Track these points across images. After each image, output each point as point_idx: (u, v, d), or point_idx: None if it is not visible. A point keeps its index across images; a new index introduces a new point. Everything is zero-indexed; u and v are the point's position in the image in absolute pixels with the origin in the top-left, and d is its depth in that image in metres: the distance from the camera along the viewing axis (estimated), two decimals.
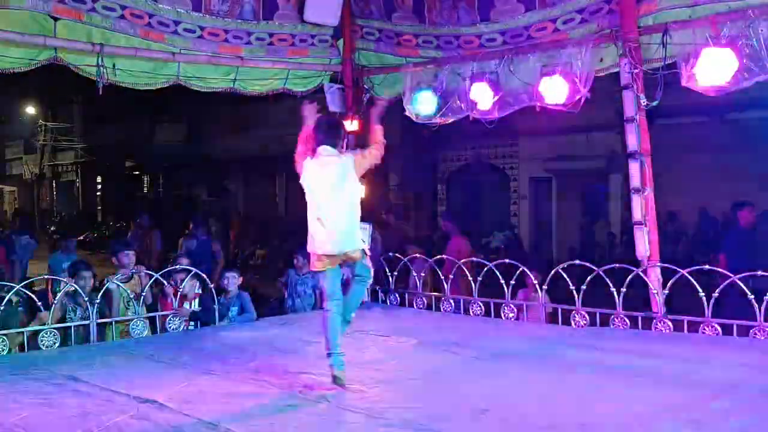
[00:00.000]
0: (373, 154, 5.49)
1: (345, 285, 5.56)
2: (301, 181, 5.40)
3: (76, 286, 6.83)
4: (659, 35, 6.73)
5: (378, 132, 5.58)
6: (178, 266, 7.70)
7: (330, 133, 5.45)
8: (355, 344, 6.57)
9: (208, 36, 8.08)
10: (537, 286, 7.46)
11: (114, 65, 7.54)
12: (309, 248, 5.38)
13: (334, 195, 5.29)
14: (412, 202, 20.69)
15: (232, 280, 7.70)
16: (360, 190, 5.62)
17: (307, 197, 5.36)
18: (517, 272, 7.68)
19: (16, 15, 6.86)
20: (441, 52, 8.42)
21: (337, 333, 5.26)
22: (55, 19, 7.06)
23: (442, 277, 8.28)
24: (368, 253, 5.57)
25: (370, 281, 5.72)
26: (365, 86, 9.04)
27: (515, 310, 7.64)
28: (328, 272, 5.33)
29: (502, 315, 7.72)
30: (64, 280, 6.95)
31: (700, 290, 6.49)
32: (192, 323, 7.46)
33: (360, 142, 9.09)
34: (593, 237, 16.81)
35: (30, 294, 6.87)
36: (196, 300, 7.57)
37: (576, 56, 7.10)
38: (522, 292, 7.91)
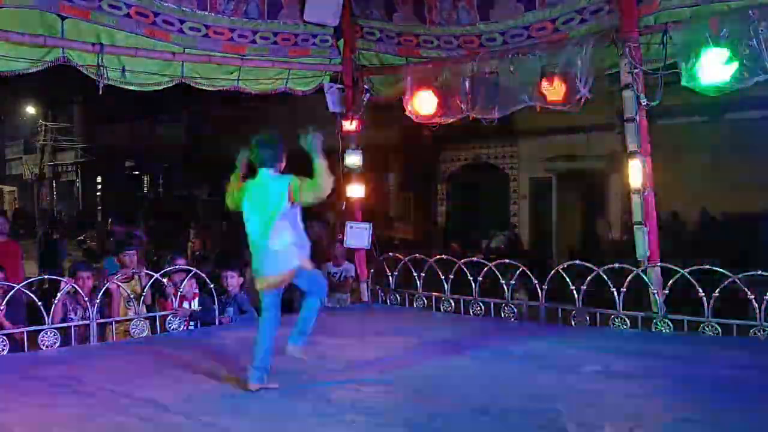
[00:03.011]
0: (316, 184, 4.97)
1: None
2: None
3: (76, 287, 6.83)
4: (659, 35, 6.75)
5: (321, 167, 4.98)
6: (176, 266, 7.69)
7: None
8: (356, 344, 6.59)
9: (213, 35, 8.08)
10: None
11: (124, 67, 7.55)
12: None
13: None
14: (411, 202, 20.70)
15: (232, 280, 7.69)
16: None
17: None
18: (518, 272, 7.69)
19: (24, 15, 6.87)
20: (441, 52, 8.42)
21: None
22: (62, 18, 7.06)
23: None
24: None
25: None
26: (365, 86, 9.04)
27: (515, 309, 7.65)
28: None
29: (502, 315, 7.73)
30: (64, 280, 6.95)
31: (700, 290, 6.50)
32: (192, 323, 7.46)
33: (360, 142, 9.13)
34: (593, 237, 16.79)
35: (31, 294, 6.87)
36: (195, 300, 7.56)
37: (576, 56, 7.10)
38: None
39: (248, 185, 5.28)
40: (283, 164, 5.28)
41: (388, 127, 16.75)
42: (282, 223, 5.02)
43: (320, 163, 4.93)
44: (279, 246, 5.02)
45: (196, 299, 7.56)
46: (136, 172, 32.70)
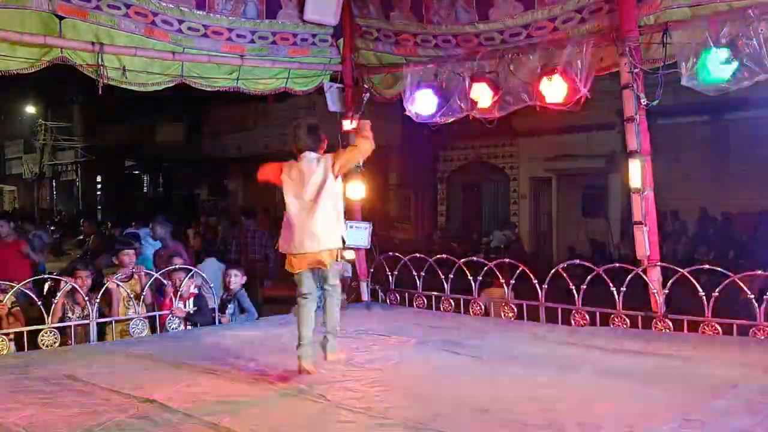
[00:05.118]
0: (357, 147, 5.59)
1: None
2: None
3: (75, 285, 6.83)
4: (659, 35, 6.73)
5: (364, 125, 5.68)
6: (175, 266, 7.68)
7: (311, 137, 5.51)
8: (356, 344, 6.58)
9: (212, 35, 8.09)
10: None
11: (124, 67, 7.55)
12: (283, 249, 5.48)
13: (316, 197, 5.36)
14: (412, 202, 20.71)
15: (235, 279, 7.69)
16: (339, 190, 5.58)
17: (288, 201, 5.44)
18: (518, 271, 7.69)
19: (22, 15, 6.87)
20: (440, 51, 8.42)
21: (305, 326, 5.46)
22: (60, 18, 7.07)
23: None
24: (343, 258, 5.67)
25: (337, 294, 5.65)
26: (365, 86, 9.04)
27: (515, 309, 7.65)
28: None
29: (502, 314, 7.74)
30: (64, 279, 6.95)
31: (700, 290, 6.50)
32: (190, 325, 7.45)
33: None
34: (593, 237, 16.82)
35: (31, 294, 6.86)
36: (191, 300, 7.55)
37: (576, 56, 7.09)
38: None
39: (292, 166, 5.48)
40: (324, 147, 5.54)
41: (388, 127, 16.78)
42: (327, 203, 5.34)
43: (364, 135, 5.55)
44: (324, 225, 5.32)
45: (192, 299, 7.55)
46: (136, 172, 32.74)
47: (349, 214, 9.15)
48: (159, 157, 29.11)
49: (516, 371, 5.60)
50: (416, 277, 8.48)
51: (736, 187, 14.06)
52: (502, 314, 7.75)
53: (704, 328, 6.50)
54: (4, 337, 6.37)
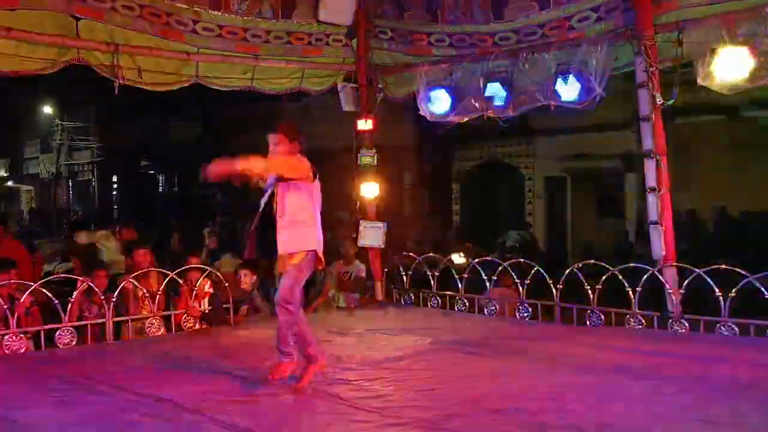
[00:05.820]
0: None
1: None
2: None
3: (92, 284, 6.87)
4: (675, 33, 6.69)
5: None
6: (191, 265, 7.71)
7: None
8: (370, 343, 6.59)
9: (226, 35, 8.12)
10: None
11: (140, 68, 7.61)
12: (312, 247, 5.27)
13: None
14: (426, 202, 20.67)
15: (246, 278, 7.72)
16: None
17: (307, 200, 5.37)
18: (532, 271, 7.66)
19: (39, 16, 6.93)
20: (454, 51, 8.40)
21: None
22: (77, 19, 7.13)
23: None
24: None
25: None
26: (379, 85, 9.04)
27: (529, 309, 7.63)
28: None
29: (517, 315, 7.71)
30: (80, 279, 6.99)
31: (716, 290, 6.45)
32: (205, 324, 7.48)
33: (374, 141, 9.12)
34: (609, 236, 16.69)
35: (48, 293, 6.90)
36: (206, 299, 7.58)
37: (591, 55, 7.06)
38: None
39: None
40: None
41: (402, 127, 16.76)
42: None
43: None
44: None
45: (207, 298, 7.57)
46: (152, 171, 32.90)
47: (364, 214, 9.18)
48: (173, 156, 29.23)
49: (531, 371, 5.58)
50: (430, 277, 8.47)
51: (756, 186, 13.92)
52: (517, 314, 7.72)
53: (721, 328, 6.46)
54: (21, 335, 6.42)
